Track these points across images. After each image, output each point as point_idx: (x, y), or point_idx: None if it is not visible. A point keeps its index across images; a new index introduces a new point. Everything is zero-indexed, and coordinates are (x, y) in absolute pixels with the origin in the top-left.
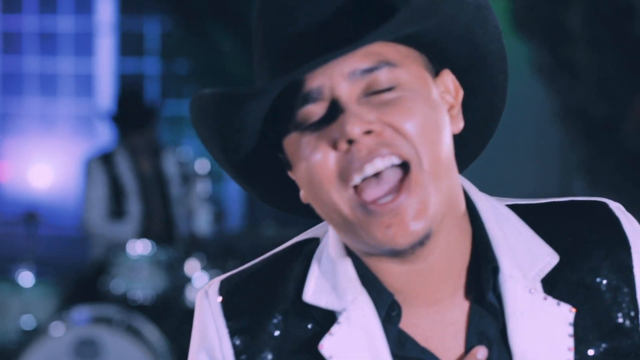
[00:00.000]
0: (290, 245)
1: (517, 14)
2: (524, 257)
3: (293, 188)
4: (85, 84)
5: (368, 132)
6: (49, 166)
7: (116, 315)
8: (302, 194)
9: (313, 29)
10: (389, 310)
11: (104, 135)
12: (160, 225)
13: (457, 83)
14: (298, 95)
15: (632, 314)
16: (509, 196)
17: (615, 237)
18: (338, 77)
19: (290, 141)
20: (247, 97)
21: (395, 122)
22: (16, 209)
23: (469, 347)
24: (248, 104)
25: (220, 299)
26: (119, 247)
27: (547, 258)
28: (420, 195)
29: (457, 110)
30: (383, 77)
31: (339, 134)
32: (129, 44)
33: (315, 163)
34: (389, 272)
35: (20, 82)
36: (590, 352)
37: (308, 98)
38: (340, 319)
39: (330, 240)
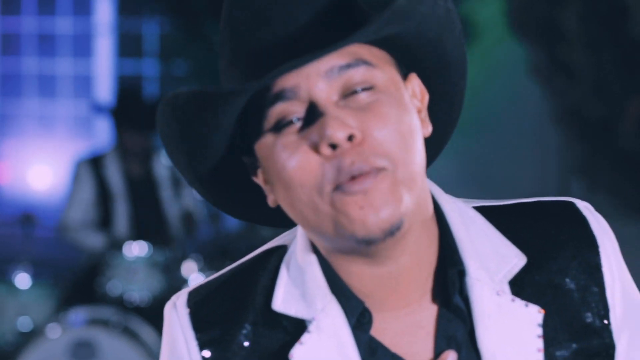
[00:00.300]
0: (258, 254)
1: (514, 15)
2: (491, 259)
3: (256, 196)
4: (83, 85)
5: (350, 138)
6: (47, 167)
7: (113, 317)
8: (270, 198)
9: (289, 30)
10: (359, 317)
11: (103, 136)
12: (154, 229)
13: (423, 87)
14: (270, 95)
15: (602, 313)
16: (507, 198)
17: (582, 237)
18: (315, 77)
19: (264, 144)
20: (225, 95)
21: (373, 130)
22: (15, 211)
23: (438, 350)
24: (224, 104)
25: (188, 310)
26: (115, 248)
27: (515, 260)
28: (389, 186)
29: (425, 114)
30: (360, 74)
31: (319, 138)
32: (128, 45)
33: (294, 166)
34: (359, 275)
35: (19, 84)
36: (560, 352)
37: (282, 96)
38: (310, 327)
39: (298, 246)
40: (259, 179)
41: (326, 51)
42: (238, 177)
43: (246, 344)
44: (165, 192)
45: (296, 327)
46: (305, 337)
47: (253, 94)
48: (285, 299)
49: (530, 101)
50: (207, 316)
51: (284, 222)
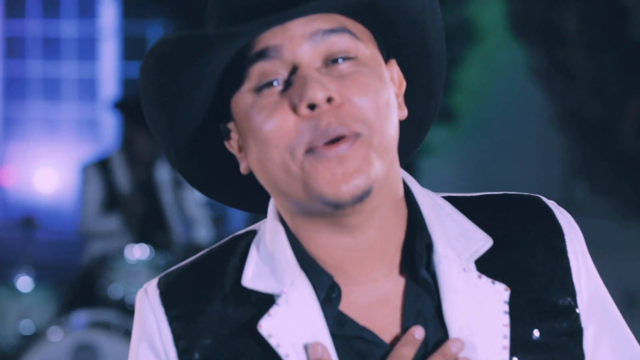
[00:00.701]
0: (228, 239)
1: (514, 17)
2: (458, 240)
3: (228, 174)
4: (88, 88)
5: (329, 100)
6: (52, 170)
7: (114, 320)
8: (243, 165)
9: None
10: (328, 292)
11: (108, 138)
12: (156, 231)
13: (401, 75)
14: (252, 54)
15: (569, 295)
16: None
17: (548, 225)
18: (299, 38)
19: (242, 104)
20: (214, 39)
21: (352, 96)
22: (21, 214)
23: (405, 324)
24: (211, 49)
25: (158, 291)
26: (116, 250)
27: (481, 242)
28: (365, 154)
29: (401, 99)
30: (344, 42)
31: (298, 98)
32: (132, 49)
33: (271, 127)
34: (327, 247)
35: (24, 87)
36: (526, 330)
37: (264, 54)
38: (279, 301)
39: (267, 226)
40: (232, 147)
41: (314, 5)
42: (213, 151)
43: (215, 318)
44: (167, 196)
45: (265, 302)
46: (274, 310)
47: (234, 53)
48: (254, 276)
49: (533, 103)
50: (176, 295)
51: (253, 205)
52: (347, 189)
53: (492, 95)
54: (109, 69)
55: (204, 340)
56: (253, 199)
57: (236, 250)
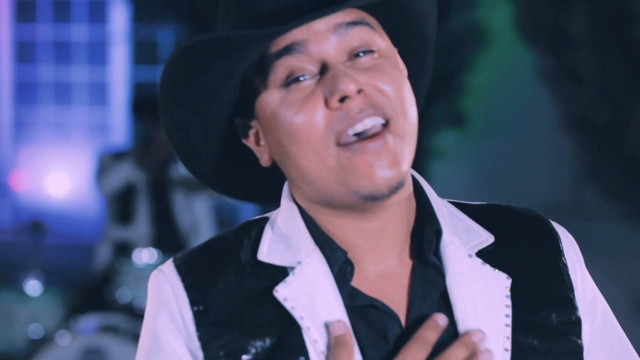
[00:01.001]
0: (241, 224)
1: (522, 20)
2: (463, 233)
3: (240, 170)
4: (99, 93)
5: (360, 91)
6: (63, 174)
7: (122, 324)
8: (264, 158)
9: None
10: (341, 267)
11: (119, 142)
12: (165, 234)
13: (402, 63)
14: (277, 50)
15: (566, 288)
16: (520, 204)
17: (544, 231)
18: (324, 32)
19: (269, 100)
20: (244, 41)
21: (378, 85)
22: (30, 218)
23: (412, 300)
24: (241, 50)
25: (173, 265)
26: (125, 255)
27: (484, 237)
28: (398, 146)
29: None
30: (364, 35)
31: (330, 92)
32: (143, 53)
33: (302, 122)
34: (344, 229)
35: (35, 91)
36: (527, 316)
37: (291, 49)
38: (294, 271)
39: (281, 210)
40: (250, 141)
41: (349, 3)
42: (225, 144)
43: (231, 285)
44: (178, 198)
45: (280, 274)
46: (289, 278)
47: (259, 54)
48: (269, 251)
49: (542, 107)
50: (192, 266)
51: (262, 196)
52: (384, 181)
53: (501, 99)
54: (119, 73)
55: (220, 304)
56: (262, 189)
57: (250, 232)
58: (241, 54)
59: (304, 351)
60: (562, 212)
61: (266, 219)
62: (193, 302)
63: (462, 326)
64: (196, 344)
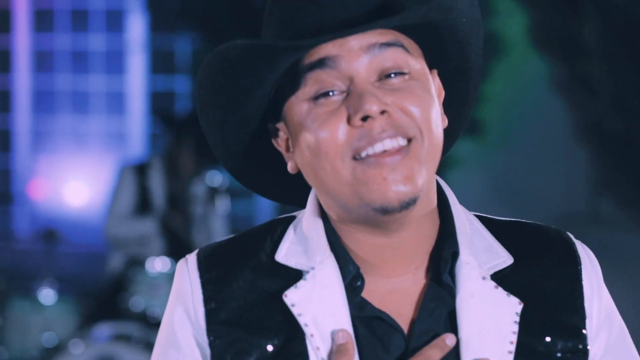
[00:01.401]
0: (268, 222)
1: (535, 29)
2: (482, 252)
3: (269, 171)
4: (116, 102)
5: (383, 112)
6: (81, 183)
7: (136, 333)
8: (290, 165)
9: (336, 9)
10: (352, 280)
11: (137, 152)
12: (179, 246)
13: (441, 86)
14: (309, 63)
15: (577, 317)
16: (536, 214)
17: (567, 253)
18: (357, 51)
19: (298, 110)
20: (281, 49)
21: (404, 106)
22: (44, 227)
23: (421, 317)
24: (277, 58)
25: (196, 259)
26: (138, 264)
27: (503, 258)
28: (415, 163)
29: (441, 109)
30: (397, 56)
31: (354, 111)
32: (160, 62)
33: (324, 136)
34: (361, 242)
35: (53, 100)
36: (533, 342)
37: (323, 64)
38: (307, 276)
39: (307, 212)
40: (280, 146)
41: (377, 24)
42: (259, 147)
43: (245, 285)
44: (197, 210)
45: (294, 277)
46: (301, 283)
47: (291, 63)
48: (287, 253)
49: (557, 116)
50: (212, 262)
51: (291, 198)
52: (396, 195)
53: (517, 108)
54: (137, 83)
55: (232, 303)
56: (292, 192)
57: (275, 230)
58: (273, 63)
59: (305, 357)
60: (577, 221)
61: (292, 219)
62: (207, 300)
63: (465, 347)
64: (205, 341)
